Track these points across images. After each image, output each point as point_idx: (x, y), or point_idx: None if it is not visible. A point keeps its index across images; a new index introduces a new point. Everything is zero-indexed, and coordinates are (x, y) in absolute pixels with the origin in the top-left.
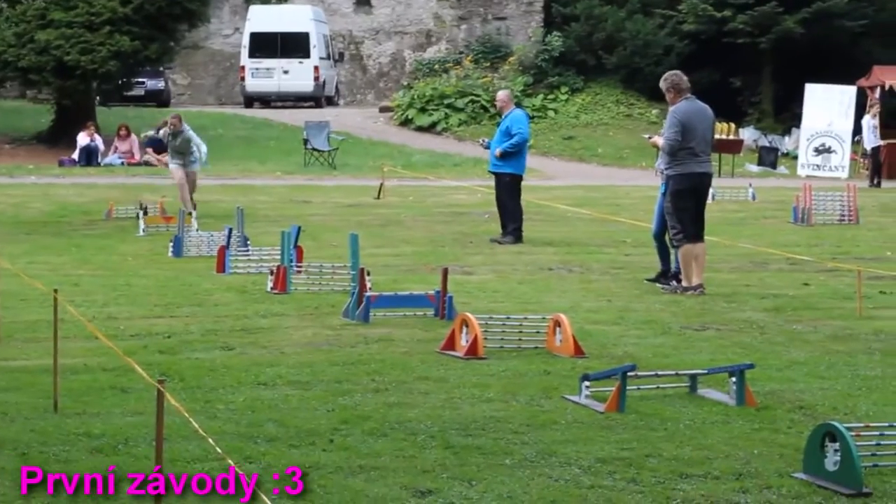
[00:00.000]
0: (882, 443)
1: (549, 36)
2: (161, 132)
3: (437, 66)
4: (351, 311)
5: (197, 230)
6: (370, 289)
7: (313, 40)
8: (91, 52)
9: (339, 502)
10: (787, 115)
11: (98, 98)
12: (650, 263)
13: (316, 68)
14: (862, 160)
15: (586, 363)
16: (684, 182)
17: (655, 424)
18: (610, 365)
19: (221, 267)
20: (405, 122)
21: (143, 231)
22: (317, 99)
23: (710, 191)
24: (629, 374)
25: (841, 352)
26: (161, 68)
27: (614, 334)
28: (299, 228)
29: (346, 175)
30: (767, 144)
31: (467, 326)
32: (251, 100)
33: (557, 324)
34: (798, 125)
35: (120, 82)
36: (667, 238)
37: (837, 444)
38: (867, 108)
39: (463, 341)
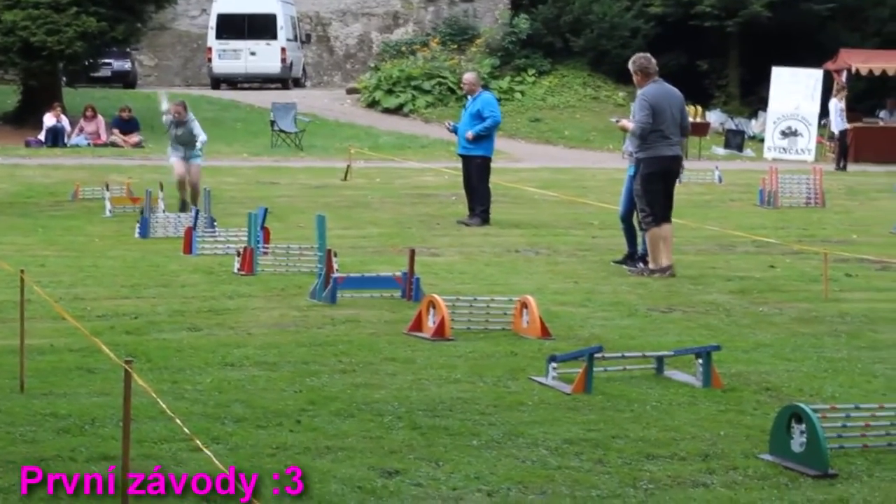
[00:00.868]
0: (847, 424)
1: (517, 18)
2: (164, 119)
3: (404, 48)
4: (318, 292)
5: (164, 211)
6: (337, 270)
7: (280, 22)
8: (57, 32)
9: (307, 483)
10: (754, 98)
11: (64, 79)
12: (617, 245)
13: (283, 50)
14: (828, 143)
15: (553, 345)
16: (654, 165)
17: (622, 406)
18: (577, 346)
19: (188, 248)
20: (372, 104)
21: (110, 212)
22: (284, 80)
23: (680, 173)
24: (596, 355)
25: (807, 334)
26: (128, 49)
27: (581, 316)
28: (266, 210)
29: (313, 157)
30: (734, 127)
31: (434, 308)
32: (218, 81)
33: (524, 305)
34: (765, 108)
35: (86, 63)
36: (634, 220)
37: (803, 425)
38: (834, 92)
39: (430, 323)
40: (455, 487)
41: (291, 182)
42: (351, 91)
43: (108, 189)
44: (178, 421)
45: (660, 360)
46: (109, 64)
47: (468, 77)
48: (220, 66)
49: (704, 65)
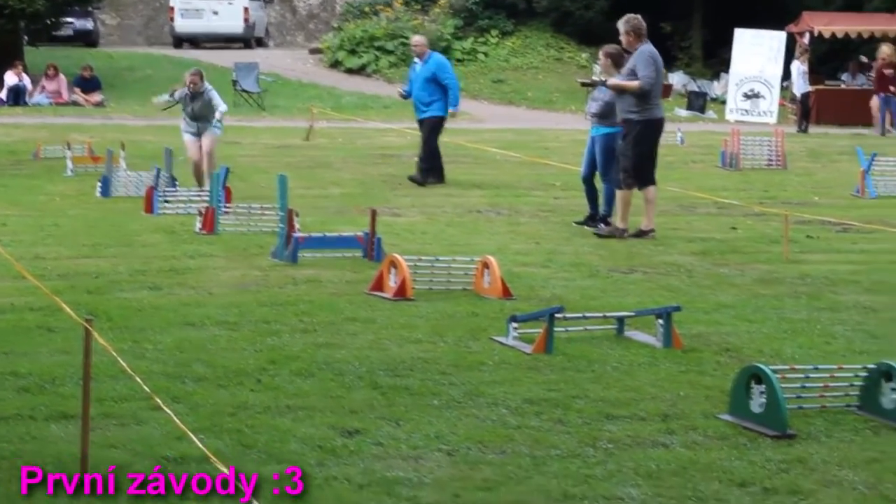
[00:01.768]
0: (807, 385)
1: None
2: (176, 94)
3: (367, 9)
4: (279, 252)
5: (125, 170)
6: (299, 230)
7: None
8: None
9: (267, 442)
10: (717, 60)
11: (26, 38)
12: (579, 206)
13: (245, 9)
14: (790, 106)
15: (514, 305)
16: (650, 127)
17: (582, 366)
18: (538, 307)
19: (149, 207)
20: (335, 64)
21: (71, 171)
22: (246, 40)
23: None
24: (557, 315)
25: (767, 295)
26: (90, 8)
27: (542, 276)
28: (228, 169)
29: (276, 116)
30: (696, 89)
31: (396, 268)
32: (180, 41)
33: (486, 266)
34: (727, 70)
35: (48, 22)
36: (596, 181)
37: (763, 386)
38: (797, 54)
39: (391, 282)
40: (415, 447)
41: (253, 142)
42: (314, 51)
43: (69, 148)
44: (138, 380)
45: (620, 320)
46: (71, 23)
47: (417, 39)
48: (183, 25)
49: (668, 27)
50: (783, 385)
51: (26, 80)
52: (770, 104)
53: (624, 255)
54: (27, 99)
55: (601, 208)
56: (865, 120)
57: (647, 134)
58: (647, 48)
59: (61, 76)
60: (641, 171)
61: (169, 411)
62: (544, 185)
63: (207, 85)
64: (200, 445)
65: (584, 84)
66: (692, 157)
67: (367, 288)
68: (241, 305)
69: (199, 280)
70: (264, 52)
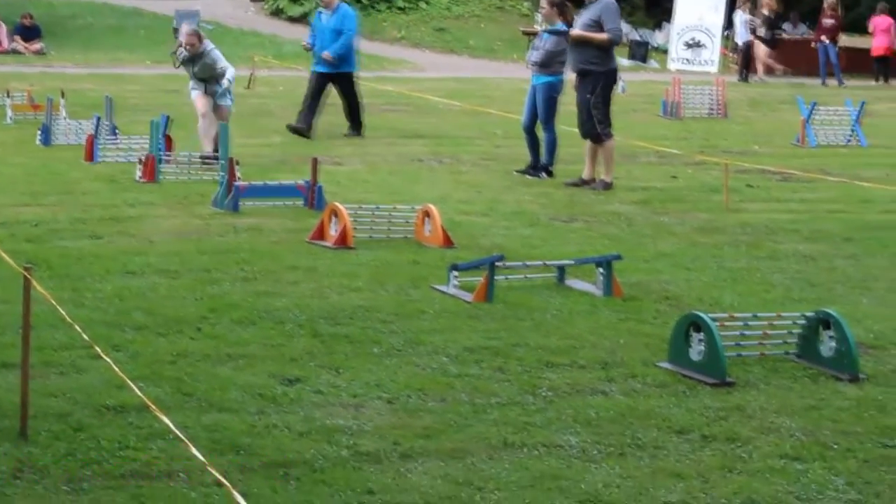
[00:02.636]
0: (746, 333)
1: None
2: (178, 53)
3: None
4: (220, 200)
5: (66, 119)
6: (240, 178)
7: None
8: None
9: (207, 390)
10: (659, 9)
11: None
12: (520, 155)
13: None
14: (732, 55)
15: (455, 253)
16: (612, 77)
17: (523, 314)
18: (479, 255)
19: (90, 156)
20: (276, 13)
21: (11, 119)
22: None
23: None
24: (497, 264)
25: (707, 244)
26: None
27: (483, 225)
28: (168, 118)
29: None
30: (638, 39)
31: (337, 216)
32: None
33: (427, 214)
34: (669, 20)
35: None
36: (538, 130)
37: (702, 334)
38: (739, 4)
39: (332, 231)
40: (355, 395)
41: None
42: None
43: (9, 96)
44: (77, 328)
45: (561, 269)
46: None
47: None
48: None
49: None
50: (722, 333)
51: None
52: (711, 54)
53: (565, 203)
54: None
55: (542, 157)
56: (806, 69)
57: (608, 84)
58: (611, 1)
59: (1, 24)
60: (609, 120)
61: (109, 360)
62: (486, 133)
63: (208, 44)
64: (140, 394)
65: (525, 33)
66: (634, 106)
67: (309, 237)
68: (181, 254)
69: (140, 228)
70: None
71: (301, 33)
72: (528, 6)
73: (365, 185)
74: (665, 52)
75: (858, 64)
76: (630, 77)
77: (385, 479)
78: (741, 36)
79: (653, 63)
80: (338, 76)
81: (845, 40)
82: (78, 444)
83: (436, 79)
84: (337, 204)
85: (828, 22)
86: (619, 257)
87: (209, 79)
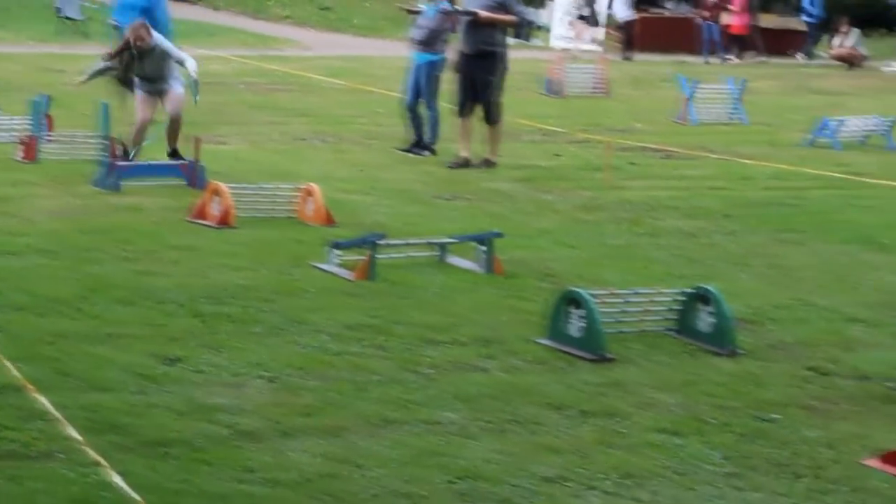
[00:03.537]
0: (626, 309)
1: None
2: (101, 65)
3: None
4: (101, 180)
5: None
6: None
7: None
8: None
9: (86, 370)
10: None
11: None
12: (403, 134)
13: None
14: (614, 33)
15: (337, 232)
16: (507, 59)
17: (404, 292)
18: (361, 234)
19: None
20: None
21: None
22: None
23: None
24: (379, 242)
25: (589, 221)
26: None
27: (366, 204)
28: (49, 97)
29: (99, 44)
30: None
31: (218, 196)
32: None
33: (309, 193)
34: None
35: None
36: (420, 109)
37: (581, 310)
38: None
39: (214, 210)
40: (236, 374)
41: (77, 69)
42: None
43: None
44: None
45: (442, 246)
46: None
47: None
48: None
49: None
50: (602, 309)
51: None
52: (594, 32)
53: (447, 181)
54: None
55: (425, 136)
56: (688, 47)
57: (506, 66)
58: None
59: None
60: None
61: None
62: (369, 112)
63: (157, 36)
64: (18, 374)
65: (408, 11)
66: (517, 84)
67: (190, 216)
68: (61, 234)
69: (20, 208)
70: None
71: (185, 12)
72: None
73: (248, 165)
74: (548, 30)
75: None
76: (513, 55)
77: (265, 457)
78: (623, 14)
79: (536, 41)
80: None
81: (726, 18)
82: None
83: (320, 57)
84: (219, 183)
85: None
86: (500, 235)
87: (160, 78)
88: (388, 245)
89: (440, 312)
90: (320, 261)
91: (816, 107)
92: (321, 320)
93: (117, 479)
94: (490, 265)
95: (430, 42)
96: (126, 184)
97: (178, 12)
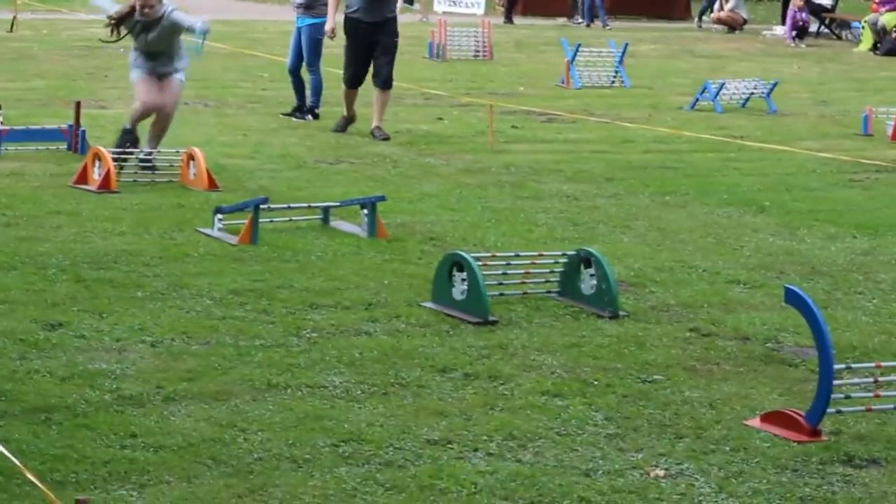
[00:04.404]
0: (508, 272)
1: None
2: (125, 19)
3: None
4: None
5: None
6: (1, 123)
7: None
8: None
9: None
10: None
11: None
12: (286, 98)
13: None
14: None
15: (220, 196)
16: None
17: (287, 256)
18: (244, 198)
19: None
20: None
21: None
22: None
23: None
24: (262, 206)
25: (472, 184)
26: None
27: (249, 168)
28: None
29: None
30: None
31: (100, 160)
32: None
33: (191, 157)
34: None
35: None
36: (302, 73)
37: (465, 273)
38: None
39: (95, 175)
40: (119, 339)
41: None
42: None
43: None
44: None
45: (326, 210)
46: None
47: None
48: None
49: None
50: (485, 273)
51: None
52: None
53: (331, 145)
54: None
55: (308, 99)
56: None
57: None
58: None
59: None
60: None
61: None
62: (252, 76)
63: (167, 4)
64: None
65: None
66: (400, 48)
67: (71, 181)
68: None
69: None
70: None
71: None
72: None
73: None
74: None
75: (623, 5)
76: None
77: (148, 422)
78: None
79: (417, 6)
80: None
81: None
82: None
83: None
84: (100, 148)
85: None
86: (383, 198)
87: (162, 53)
88: (272, 209)
89: (324, 276)
90: (204, 225)
91: (698, 70)
92: (204, 285)
93: None
94: (373, 229)
95: (312, 5)
96: (6, 149)
97: None
